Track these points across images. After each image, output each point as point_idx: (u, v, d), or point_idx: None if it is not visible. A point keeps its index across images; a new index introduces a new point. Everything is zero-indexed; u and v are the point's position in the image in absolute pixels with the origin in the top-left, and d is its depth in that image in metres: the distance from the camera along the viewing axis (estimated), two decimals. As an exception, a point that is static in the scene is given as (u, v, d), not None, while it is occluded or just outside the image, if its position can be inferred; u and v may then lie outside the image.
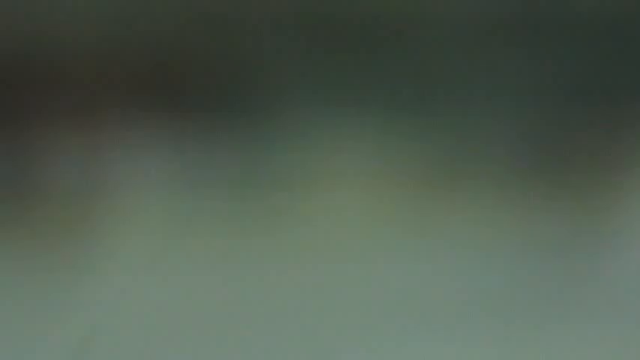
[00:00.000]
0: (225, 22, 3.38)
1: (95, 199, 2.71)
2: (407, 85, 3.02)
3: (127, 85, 3.23)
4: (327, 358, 1.43)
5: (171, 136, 3.13)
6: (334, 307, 1.73)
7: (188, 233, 2.48)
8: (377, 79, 3.30)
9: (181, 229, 2.55)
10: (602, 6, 3.16)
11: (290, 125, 3.28)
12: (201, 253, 2.20)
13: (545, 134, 2.84)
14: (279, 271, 2.01)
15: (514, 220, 2.28)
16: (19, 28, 3.21)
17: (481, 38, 3.24)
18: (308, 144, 3.11)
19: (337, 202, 2.61)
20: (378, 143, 2.84)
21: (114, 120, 3.10)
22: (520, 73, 3.06)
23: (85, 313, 1.67)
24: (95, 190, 2.73)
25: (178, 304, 1.78)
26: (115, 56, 3.24)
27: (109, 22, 3.22)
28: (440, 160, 2.80)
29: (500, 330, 1.47)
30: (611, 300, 1.59)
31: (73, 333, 1.59)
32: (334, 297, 1.80)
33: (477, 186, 2.77)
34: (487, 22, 3.27)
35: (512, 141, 2.84)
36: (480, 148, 2.90)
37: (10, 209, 2.63)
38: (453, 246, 2.00)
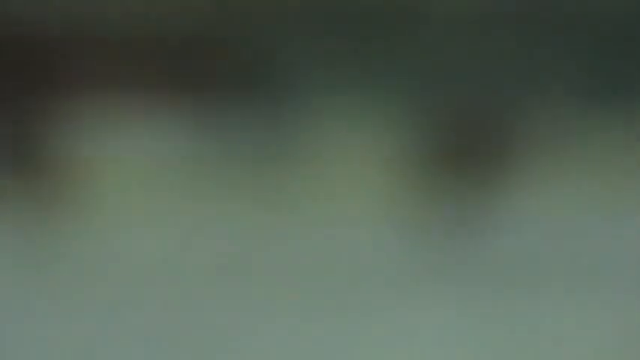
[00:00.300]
0: (244, 9, 3.49)
1: (111, 165, 2.88)
2: (411, 72, 3.16)
3: (152, 62, 3.36)
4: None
5: (188, 111, 3.29)
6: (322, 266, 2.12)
7: (199, 199, 2.64)
8: (383, 65, 3.43)
9: (192, 197, 2.72)
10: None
11: (299, 106, 3.42)
12: (209, 219, 2.70)
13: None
14: (280, 237, 2.42)
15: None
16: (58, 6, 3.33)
17: (483, 30, 3.37)
18: (314, 123, 3.24)
19: (331, 177, 2.80)
20: (379, 126, 3.01)
21: (137, 94, 3.25)
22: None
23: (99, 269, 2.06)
24: (113, 156, 2.90)
25: (185, 264, 2.13)
26: (144, 35, 3.36)
27: (142, 5, 3.34)
28: (432, 147, 3.02)
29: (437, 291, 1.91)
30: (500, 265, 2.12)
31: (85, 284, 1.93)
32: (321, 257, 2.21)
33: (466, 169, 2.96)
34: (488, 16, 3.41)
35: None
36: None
37: (27, 170, 2.79)
38: (420, 221, 2.47)
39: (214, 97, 3.35)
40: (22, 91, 3.22)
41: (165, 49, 3.29)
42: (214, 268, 2.20)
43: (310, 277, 1.95)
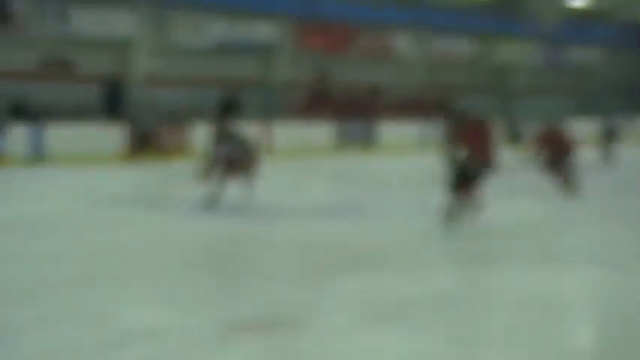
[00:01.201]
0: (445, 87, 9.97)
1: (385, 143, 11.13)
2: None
3: (408, 104, 9.78)
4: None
5: (419, 122, 10.78)
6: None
7: (425, 153, 9.62)
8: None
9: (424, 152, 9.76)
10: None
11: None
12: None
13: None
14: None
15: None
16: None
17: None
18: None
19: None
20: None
21: (405, 118, 10.78)
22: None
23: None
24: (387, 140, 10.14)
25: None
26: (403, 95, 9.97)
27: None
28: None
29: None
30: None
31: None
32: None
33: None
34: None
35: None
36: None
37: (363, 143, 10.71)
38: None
39: (433, 117, 9.53)
40: (361, 114, 9.35)
41: (414, 100, 9.54)
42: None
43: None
